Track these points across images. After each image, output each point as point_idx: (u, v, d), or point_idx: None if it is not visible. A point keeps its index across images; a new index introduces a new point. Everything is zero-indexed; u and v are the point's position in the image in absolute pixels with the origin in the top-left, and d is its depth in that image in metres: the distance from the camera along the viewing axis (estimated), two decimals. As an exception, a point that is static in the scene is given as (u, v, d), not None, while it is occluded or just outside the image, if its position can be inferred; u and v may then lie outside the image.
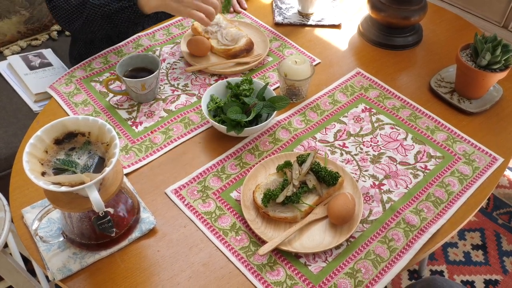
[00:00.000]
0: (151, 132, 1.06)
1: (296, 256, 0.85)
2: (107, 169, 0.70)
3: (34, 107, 1.47)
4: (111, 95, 1.13)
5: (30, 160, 0.72)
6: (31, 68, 1.55)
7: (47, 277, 1.41)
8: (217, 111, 1.05)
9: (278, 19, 1.38)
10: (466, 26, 1.40)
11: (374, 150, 1.03)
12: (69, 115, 1.09)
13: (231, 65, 1.21)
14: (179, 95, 1.14)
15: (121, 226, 0.85)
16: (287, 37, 1.33)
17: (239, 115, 0.99)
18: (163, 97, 1.14)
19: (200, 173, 0.98)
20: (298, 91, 1.11)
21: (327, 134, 1.06)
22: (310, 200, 0.90)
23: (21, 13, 1.66)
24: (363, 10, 1.44)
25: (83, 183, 0.70)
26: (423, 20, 1.33)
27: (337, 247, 0.86)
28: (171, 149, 1.03)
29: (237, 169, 0.99)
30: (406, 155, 1.02)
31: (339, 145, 1.04)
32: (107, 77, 1.13)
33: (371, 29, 1.32)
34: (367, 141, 1.05)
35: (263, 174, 0.96)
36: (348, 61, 1.26)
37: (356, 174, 0.98)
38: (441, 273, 1.66)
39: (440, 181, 0.98)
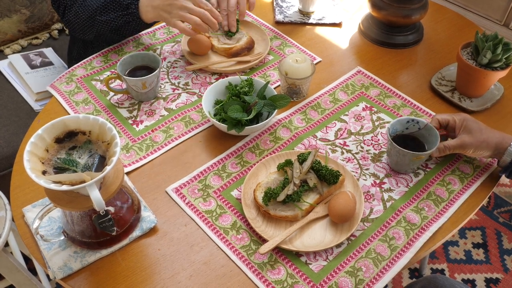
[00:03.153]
0: (152, 131, 1.06)
1: (297, 254, 0.85)
2: (107, 168, 0.70)
3: (35, 106, 1.47)
4: (111, 93, 1.13)
5: (31, 159, 0.72)
6: (32, 67, 1.56)
7: (48, 275, 1.41)
8: (217, 110, 1.05)
9: (279, 17, 1.38)
10: (467, 25, 1.40)
11: (374, 149, 1.03)
12: (69, 114, 1.09)
13: (231, 63, 1.21)
14: (179, 94, 1.14)
15: (122, 224, 0.85)
16: (287, 35, 1.32)
17: (240, 113, 0.99)
18: (163, 95, 1.14)
19: (201, 172, 0.98)
20: (299, 89, 1.11)
21: (327, 132, 1.06)
22: (310, 198, 0.90)
23: (21, 12, 1.66)
24: (364, 8, 1.44)
25: (83, 182, 0.70)
26: (424, 18, 1.32)
27: (338, 246, 0.86)
28: (171, 148, 1.03)
29: (238, 168, 0.99)
30: (407, 154, 1.02)
31: (340, 143, 1.04)
32: (108, 75, 1.13)
33: (372, 28, 1.32)
34: (367, 139, 1.05)
35: (264, 173, 0.96)
36: (349, 60, 1.26)
37: (356, 172, 0.98)
38: (442, 271, 1.66)
39: (441, 179, 0.98)
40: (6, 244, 1.21)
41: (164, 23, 1.34)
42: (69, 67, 1.47)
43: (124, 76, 1.07)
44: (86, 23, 1.22)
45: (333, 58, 1.26)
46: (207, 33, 1.24)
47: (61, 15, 1.27)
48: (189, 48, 1.22)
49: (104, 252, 0.84)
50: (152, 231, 0.88)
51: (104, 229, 0.79)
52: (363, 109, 1.12)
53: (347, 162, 1.00)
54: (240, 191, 0.94)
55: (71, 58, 1.48)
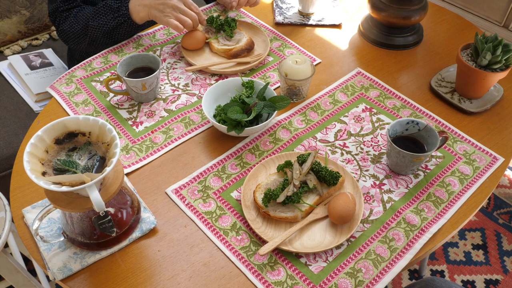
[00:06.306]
0: (152, 132, 1.06)
1: (297, 256, 0.85)
2: (107, 169, 0.70)
3: (35, 107, 1.47)
4: (111, 94, 1.13)
5: (30, 160, 0.72)
6: (32, 68, 1.56)
7: (47, 277, 1.41)
8: (217, 111, 1.05)
9: (279, 19, 1.38)
10: (467, 26, 1.40)
11: (374, 150, 1.03)
12: (69, 115, 1.09)
13: (231, 65, 1.21)
14: (179, 95, 1.14)
15: (122, 225, 0.85)
16: (287, 36, 1.33)
17: (240, 115, 0.99)
18: (163, 96, 1.14)
19: (201, 173, 0.98)
20: (299, 90, 1.11)
21: (327, 134, 1.06)
22: (310, 199, 0.90)
23: (21, 12, 1.66)
24: (364, 9, 1.44)
25: (83, 183, 0.70)
26: (424, 19, 1.33)
27: (338, 247, 0.86)
28: (171, 149, 1.03)
29: (238, 169, 0.99)
30: (407, 155, 1.02)
31: (340, 144, 1.04)
32: (108, 76, 1.13)
33: (372, 29, 1.32)
34: (367, 141, 1.05)
35: (264, 174, 0.96)
36: (349, 61, 1.26)
37: (356, 173, 0.98)
38: (441, 273, 1.66)
39: (441, 181, 0.98)
40: (6, 245, 1.21)
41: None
42: (69, 68, 1.47)
43: (124, 77, 1.07)
44: (80, 32, 1.25)
45: (333, 59, 1.27)
46: (207, 35, 1.25)
47: (57, 27, 1.30)
48: (183, 45, 1.22)
49: (104, 253, 0.84)
50: (152, 232, 0.88)
51: (104, 230, 0.79)
52: (363, 111, 1.12)
53: (347, 163, 1.00)
54: (240, 192, 0.94)
55: (73, 59, 1.48)
